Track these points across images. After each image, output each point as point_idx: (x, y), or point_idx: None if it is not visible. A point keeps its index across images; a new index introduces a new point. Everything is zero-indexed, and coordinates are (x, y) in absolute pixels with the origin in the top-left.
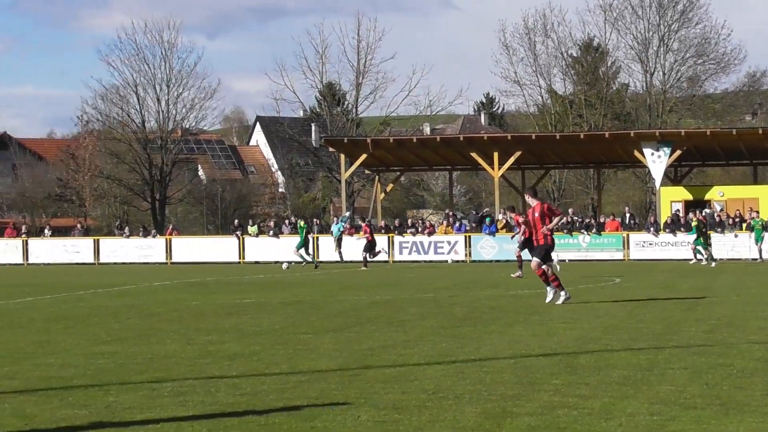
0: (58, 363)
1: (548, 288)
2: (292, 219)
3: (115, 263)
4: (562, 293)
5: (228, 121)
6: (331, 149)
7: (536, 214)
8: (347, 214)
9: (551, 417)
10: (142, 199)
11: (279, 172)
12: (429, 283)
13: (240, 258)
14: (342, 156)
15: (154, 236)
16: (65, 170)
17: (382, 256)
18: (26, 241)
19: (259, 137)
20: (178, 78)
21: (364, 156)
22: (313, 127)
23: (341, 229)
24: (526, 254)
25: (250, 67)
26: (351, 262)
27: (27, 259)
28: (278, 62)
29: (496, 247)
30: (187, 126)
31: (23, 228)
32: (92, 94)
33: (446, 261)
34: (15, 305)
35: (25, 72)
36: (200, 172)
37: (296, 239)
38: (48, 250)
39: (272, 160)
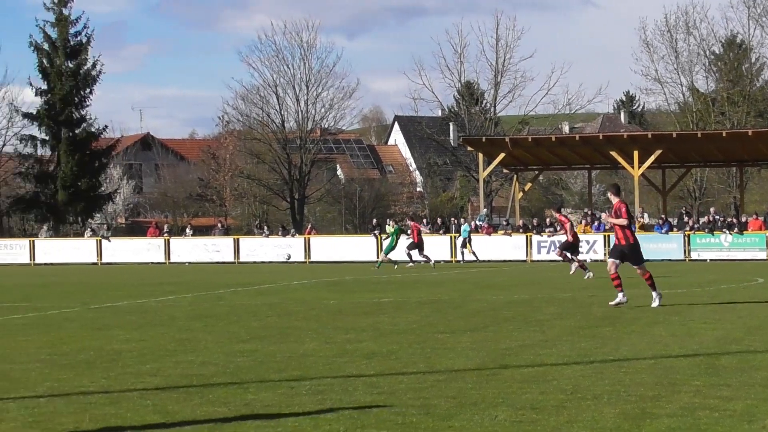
0: (198, 361)
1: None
2: (391, 223)
3: (254, 262)
4: (651, 297)
5: (366, 121)
6: (469, 148)
7: (613, 214)
8: (485, 211)
9: (692, 419)
10: (282, 199)
11: (417, 172)
12: (567, 282)
13: (378, 257)
14: (480, 155)
15: (293, 235)
16: (206, 170)
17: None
18: (168, 240)
19: (397, 136)
20: (317, 78)
21: (502, 155)
22: (451, 126)
23: (469, 228)
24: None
25: (388, 66)
26: (488, 261)
27: (169, 258)
28: (416, 62)
29: None
30: (326, 126)
31: (165, 227)
32: (233, 95)
33: (585, 260)
34: (157, 303)
35: (168, 73)
36: (339, 172)
37: (432, 239)
38: (189, 249)
39: (410, 160)
